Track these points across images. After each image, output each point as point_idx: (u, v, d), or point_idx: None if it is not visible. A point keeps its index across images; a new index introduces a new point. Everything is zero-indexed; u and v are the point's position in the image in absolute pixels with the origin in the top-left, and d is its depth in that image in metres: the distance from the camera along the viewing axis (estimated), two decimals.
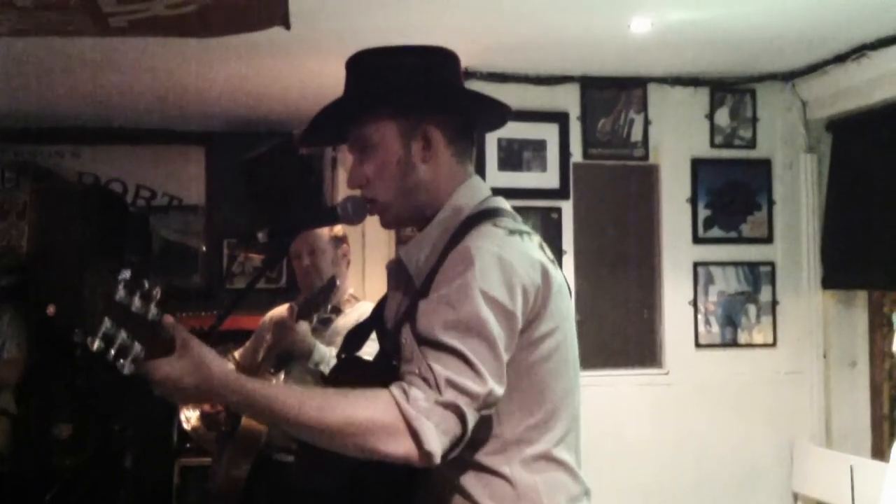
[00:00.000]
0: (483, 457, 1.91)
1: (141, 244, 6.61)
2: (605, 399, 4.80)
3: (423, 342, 1.81)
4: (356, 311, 3.92)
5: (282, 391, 1.83)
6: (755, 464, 5.06)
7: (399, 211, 2.07)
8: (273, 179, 6.11)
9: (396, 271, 2.08)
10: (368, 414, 1.75)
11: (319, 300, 3.84)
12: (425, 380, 1.76)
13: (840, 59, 4.69)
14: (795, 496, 5.05)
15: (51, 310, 5.49)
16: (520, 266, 1.87)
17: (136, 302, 1.78)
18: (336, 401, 1.78)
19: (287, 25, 3.74)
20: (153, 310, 1.80)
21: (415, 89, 2.03)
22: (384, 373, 1.85)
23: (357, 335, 2.19)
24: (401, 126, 2.02)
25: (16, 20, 3.74)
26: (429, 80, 2.05)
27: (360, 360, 2.11)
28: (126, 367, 1.77)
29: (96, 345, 1.75)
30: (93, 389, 5.81)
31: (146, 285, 1.80)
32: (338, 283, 3.90)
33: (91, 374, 5.82)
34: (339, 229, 4.02)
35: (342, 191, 5.63)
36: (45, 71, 4.93)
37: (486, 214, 1.99)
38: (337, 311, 3.98)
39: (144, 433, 5.98)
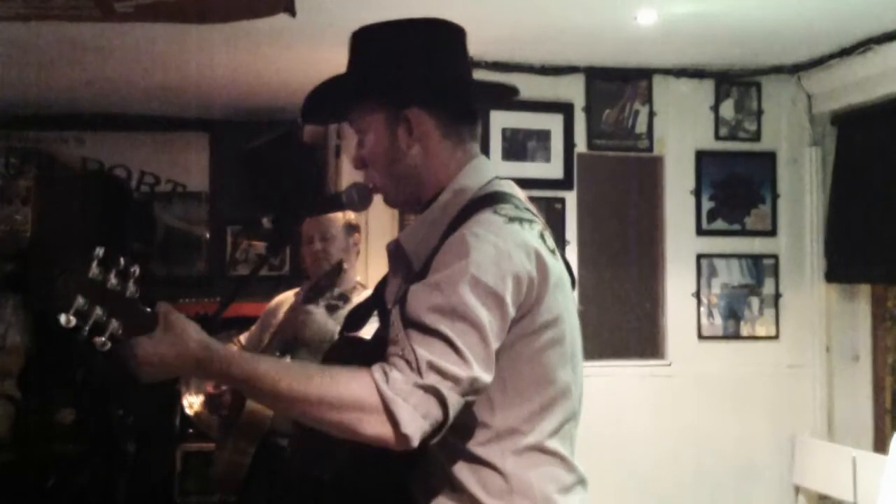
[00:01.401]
0: (475, 447, 1.89)
1: (144, 231, 6.61)
2: (606, 390, 4.80)
3: (409, 324, 1.78)
4: (362, 298, 3.91)
5: (263, 363, 1.80)
6: (756, 456, 5.06)
7: (397, 196, 2.08)
8: (276, 168, 6.10)
9: (395, 254, 2.07)
10: (346, 392, 1.73)
11: (325, 283, 3.83)
12: (407, 362, 1.74)
13: (845, 52, 4.69)
14: (797, 489, 5.06)
15: None
16: (515, 255, 1.84)
17: (112, 279, 1.78)
18: (316, 376, 1.77)
19: (292, 13, 3.74)
20: (131, 287, 1.80)
21: (395, 76, 2.01)
22: (379, 354, 1.82)
23: (358, 315, 2.19)
24: (386, 112, 2.01)
25: (21, 6, 3.73)
26: (413, 66, 2.02)
27: (356, 339, 2.11)
28: (105, 343, 1.77)
29: (65, 319, 1.75)
30: (95, 375, 5.82)
31: (122, 262, 1.79)
32: (346, 266, 3.90)
33: (93, 360, 5.82)
34: (352, 217, 4.02)
35: (346, 179, 5.62)
36: (49, 57, 4.92)
37: (489, 199, 1.96)
38: (345, 298, 3.97)
39: (146, 419, 5.99)
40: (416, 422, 1.72)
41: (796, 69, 5.08)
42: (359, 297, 3.94)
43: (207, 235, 6.81)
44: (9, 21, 3.96)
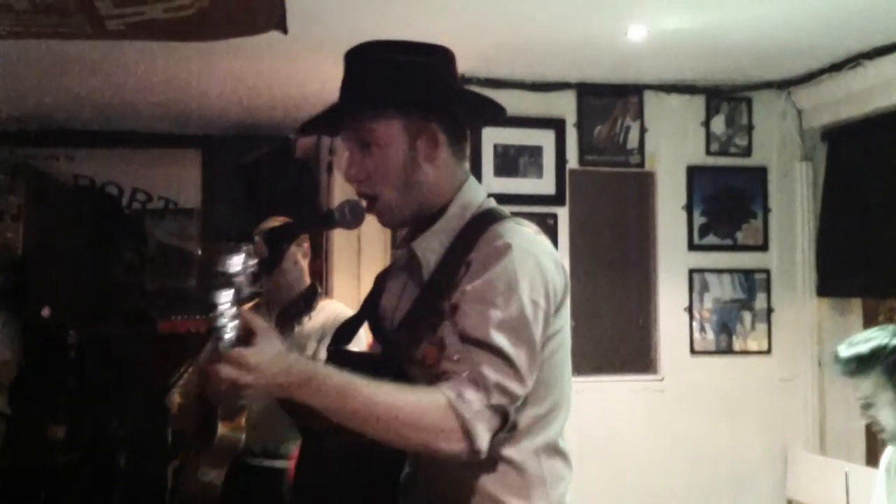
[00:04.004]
0: (494, 445, 1.91)
1: (136, 246, 6.60)
2: (599, 405, 4.80)
3: (472, 342, 1.85)
4: (323, 313, 3.86)
5: (353, 381, 1.80)
6: (749, 470, 5.06)
7: (402, 210, 2.07)
8: (269, 184, 6.10)
9: (407, 262, 2.09)
10: (427, 413, 1.80)
11: (302, 309, 3.78)
12: (475, 382, 1.82)
13: (836, 67, 4.71)
14: (789, 502, 5.06)
15: (45, 312, 5.48)
16: (550, 268, 1.96)
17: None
18: (401, 398, 1.82)
19: (284, 30, 3.74)
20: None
21: (422, 89, 2.04)
22: (388, 372, 1.86)
23: (348, 329, 2.20)
24: (407, 125, 2.02)
25: (13, 23, 3.73)
26: (434, 80, 2.06)
27: (354, 354, 2.11)
28: (226, 345, 1.70)
29: (217, 319, 1.69)
30: (86, 389, 5.80)
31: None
32: (320, 291, 3.88)
33: (84, 374, 5.81)
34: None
35: (338, 195, 5.62)
36: (41, 74, 4.92)
37: (497, 213, 2.05)
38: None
39: (138, 433, 5.97)
40: (486, 437, 1.82)
41: (787, 84, 5.10)
42: (318, 309, 3.88)
43: (199, 252, 6.80)
44: (1, 38, 3.95)
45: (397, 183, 2.03)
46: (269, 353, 1.73)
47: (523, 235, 1.96)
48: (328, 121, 2.16)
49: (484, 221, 2.01)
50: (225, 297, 1.69)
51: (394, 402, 1.79)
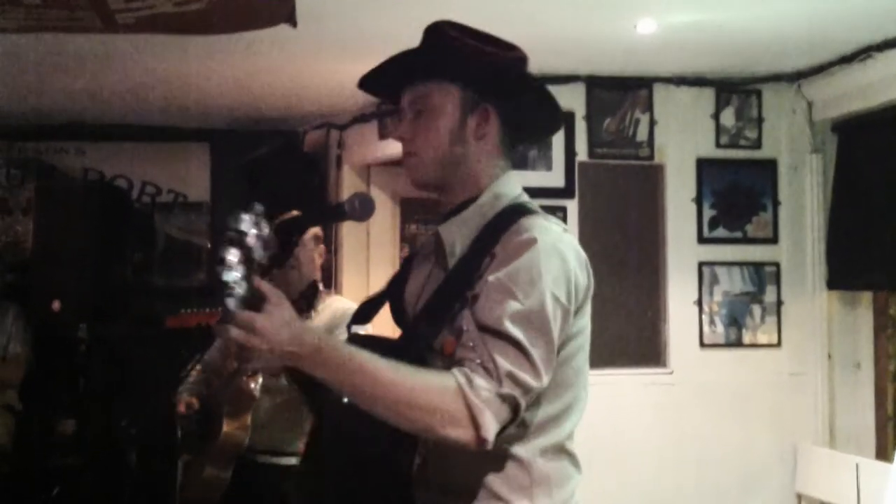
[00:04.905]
0: (503, 442, 1.91)
1: (145, 241, 6.61)
2: (608, 398, 4.79)
3: (487, 330, 1.85)
4: (328, 309, 3.89)
5: (361, 357, 1.80)
6: (759, 464, 5.06)
7: (433, 170, 2.08)
8: (277, 178, 6.11)
9: (432, 249, 2.11)
10: (437, 397, 1.79)
11: (302, 308, 3.79)
12: (486, 370, 1.82)
13: (846, 60, 4.69)
14: (799, 497, 5.05)
15: (56, 305, 5.50)
16: (575, 266, 1.96)
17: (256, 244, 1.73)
18: (410, 378, 1.80)
19: (293, 23, 3.74)
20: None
21: (487, 70, 2.07)
22: (408, 359, 1.85)
23: (368, 308, 2.22)
24: (464, 96, 2.06)
25: (22, 17, 3.74)
26: (500, 67, 2.09)
27: (375, 338, 2.09)
28: (233, 303, 1.68)
29: (224, 274, 1.67)
30: (96, 385, 5.81)
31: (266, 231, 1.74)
32: (321, 288, 3.90)
33: (93, 372, 5.82)
34: (317, 228, 3.97)
35: (346, 189, 5.63)
36: (50, 68, 4.93)
37: (529, 208, 2.07)
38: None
39: (149, 429, 5.98)
40: (494, 427, 1.80)
41: (797, 77, 5.09)
42: (324, 306, 3.91)
43: (209, 245, 6.82)
44: (11, 32, 3.96)
45: (440, 150, 2.06)
46: (278, 319, 1.71)
47: (550, 231, 1.97)
48: (388, 83, 2.16)
49: (513, 215, 2.02)
50: (233, 254, 1.67)
51: (400, 382, 1.78)
